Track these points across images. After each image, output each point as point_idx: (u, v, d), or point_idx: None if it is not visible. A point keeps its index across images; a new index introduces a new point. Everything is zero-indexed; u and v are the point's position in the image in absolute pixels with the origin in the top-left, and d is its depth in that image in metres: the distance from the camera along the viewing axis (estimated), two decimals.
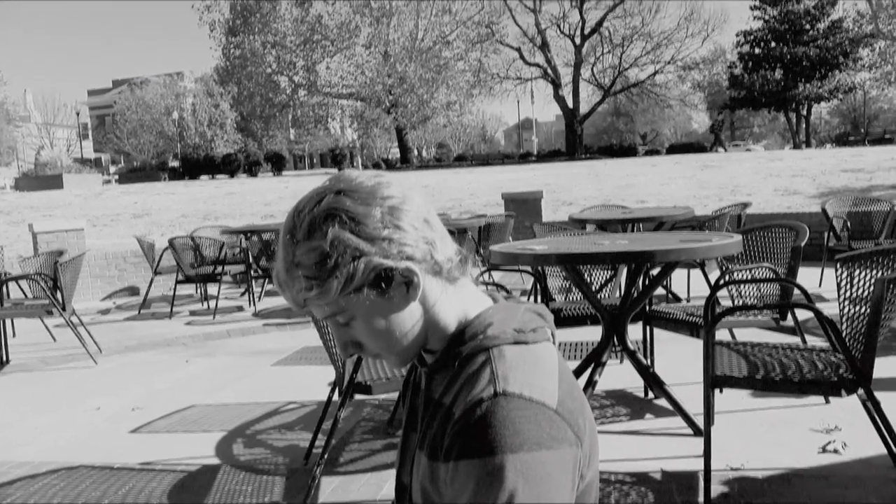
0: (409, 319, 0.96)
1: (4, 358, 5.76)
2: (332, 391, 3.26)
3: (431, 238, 0.94)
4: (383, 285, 0.91)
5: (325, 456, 2.89)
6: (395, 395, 3.77)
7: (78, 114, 64.13)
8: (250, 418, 3.98)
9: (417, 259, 0.92)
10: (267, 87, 46.83)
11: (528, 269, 4.41)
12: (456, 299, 0.99)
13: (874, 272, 2.59)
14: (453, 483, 0.85)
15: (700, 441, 2.93)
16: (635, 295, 3.54)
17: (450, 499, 0.87)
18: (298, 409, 4.12)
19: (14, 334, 6.65)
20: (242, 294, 8.48)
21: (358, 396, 3.11)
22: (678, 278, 6.70)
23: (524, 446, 0.82)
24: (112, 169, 53.70)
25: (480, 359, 0.93)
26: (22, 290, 6.83)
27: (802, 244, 3.71)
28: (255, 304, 7.70)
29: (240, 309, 7.72)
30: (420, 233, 0.93)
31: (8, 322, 6.12)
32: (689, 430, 3.29)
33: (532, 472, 0.81)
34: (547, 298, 4.32)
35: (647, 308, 3.90)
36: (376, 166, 45.28)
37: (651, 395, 3.83)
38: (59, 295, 5.45)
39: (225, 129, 46.98)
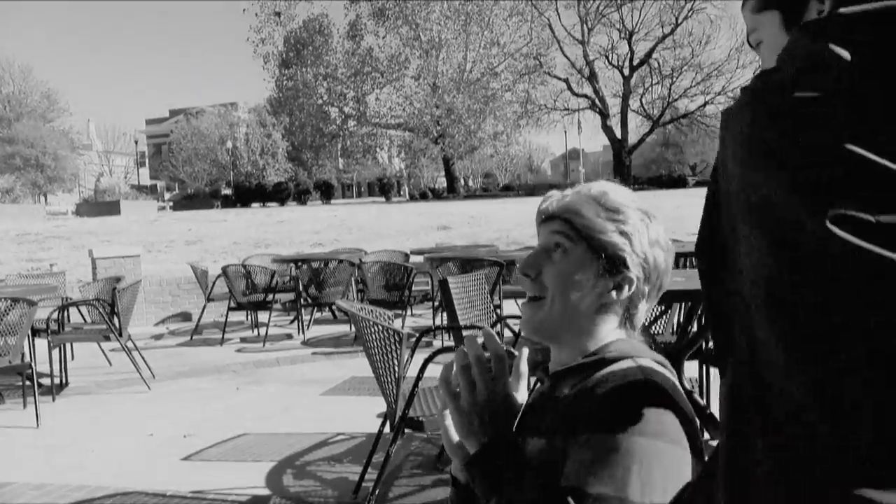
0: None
1: (64, 380, 5.92)
2: (383, 424, 3.25)
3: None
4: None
5: (377, 491, 2.87)
6: None
7: (136, 142, 66.34)
8: (300, 449, 3.99)
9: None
10: (318, 117, 47.84)
11: None
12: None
13: None
14: (587, 443, 0.96)
15: None
16: (692, 333, 3.45)
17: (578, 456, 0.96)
18: (347, 440, 4.11)
19: (73, 357, 6.82)
20: (292, 322, 8.57)
21: (407, 430, 3.09)
22: None
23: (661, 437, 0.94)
24: (167, 196, 55.25)
25: (626, 363, 1.04)
26: (81, 314, 7.03)
27: None
28: (304, 333, 7.77)
29: (289, 337, 7.81)
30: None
31: (67, 345, 6.30)
32: None
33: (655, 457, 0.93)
34: None
35: (704, 346, 3.80)
36: (423, 196, 45.65)
37: (707, 436, 3.71)
38: (116, 320, 5.59)
39: (276, 159, 48.08)
